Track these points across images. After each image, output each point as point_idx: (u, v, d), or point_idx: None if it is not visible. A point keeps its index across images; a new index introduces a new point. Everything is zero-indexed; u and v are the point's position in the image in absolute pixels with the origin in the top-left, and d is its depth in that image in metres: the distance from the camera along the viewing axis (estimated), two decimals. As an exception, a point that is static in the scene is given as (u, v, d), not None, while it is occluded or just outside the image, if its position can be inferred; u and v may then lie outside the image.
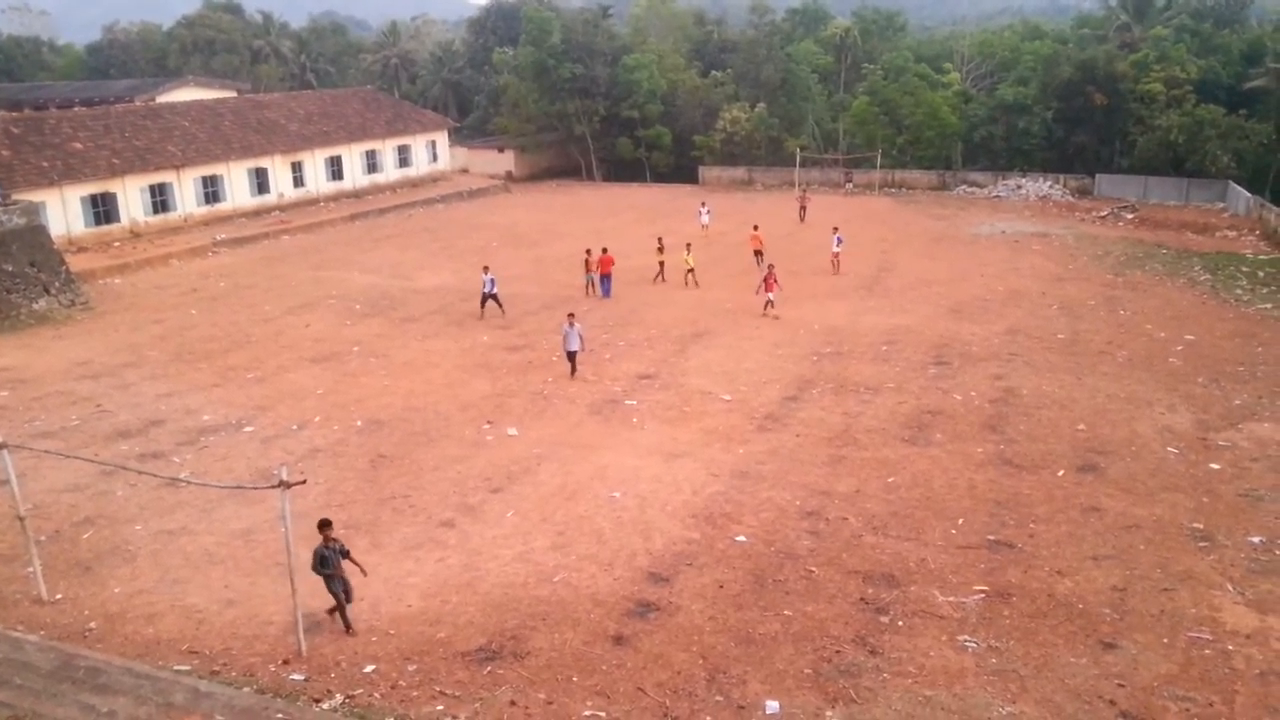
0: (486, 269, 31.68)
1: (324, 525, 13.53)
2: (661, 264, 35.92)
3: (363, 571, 13.82)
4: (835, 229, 37.76)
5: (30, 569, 14.78)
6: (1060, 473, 18.78)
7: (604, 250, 34.36)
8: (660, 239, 36.90)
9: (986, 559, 15.52)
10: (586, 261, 34.24)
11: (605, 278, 33.84)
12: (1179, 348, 26.96)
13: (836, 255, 36.63)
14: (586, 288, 34.12)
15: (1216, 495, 17.71)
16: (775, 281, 30.36)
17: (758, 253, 37.56)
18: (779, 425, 21.55)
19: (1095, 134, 56.63)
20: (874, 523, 16.81)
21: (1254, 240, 42.93)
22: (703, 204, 46.19)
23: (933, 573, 15.12)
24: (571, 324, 24.68)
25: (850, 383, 24.31)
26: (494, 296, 31.14)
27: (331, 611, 13.76)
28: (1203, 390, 23.43)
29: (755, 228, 38.77)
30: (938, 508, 17.36)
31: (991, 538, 16.21)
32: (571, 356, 24.91)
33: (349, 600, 13.67)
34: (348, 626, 13.69)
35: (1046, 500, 17.59)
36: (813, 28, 78.16)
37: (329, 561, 13.29)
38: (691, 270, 34.47)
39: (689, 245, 35.60)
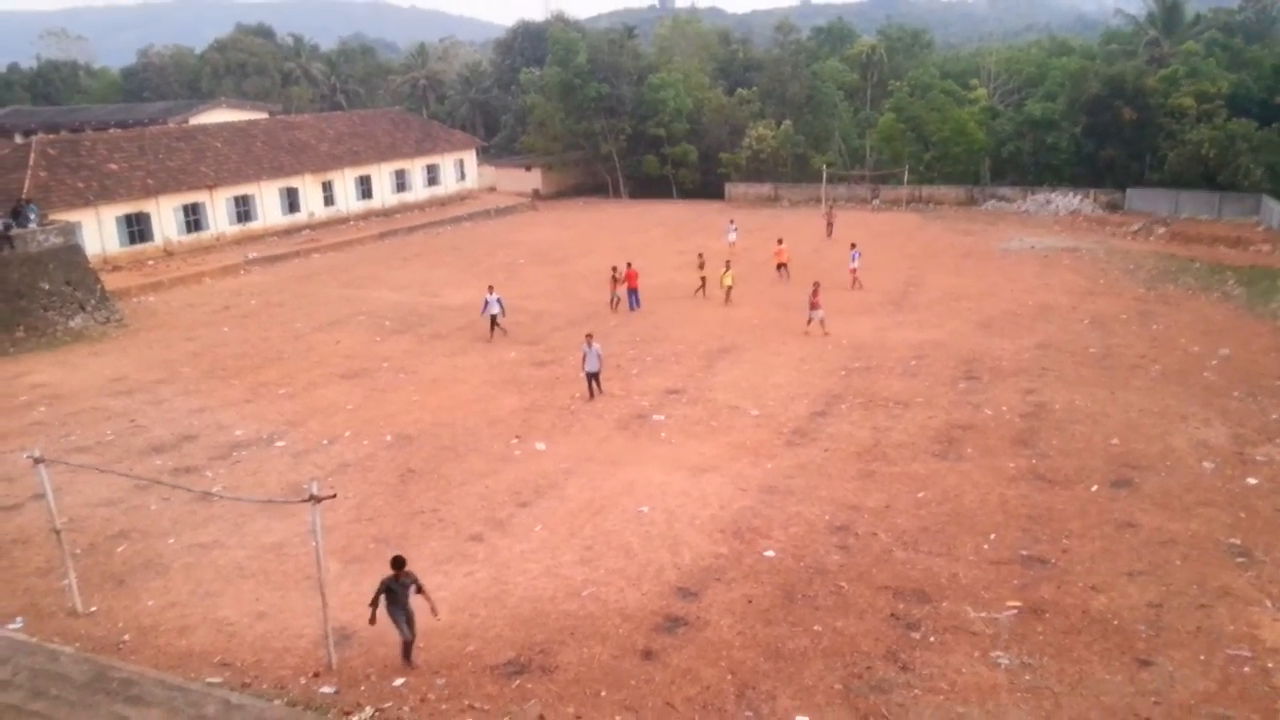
0: (491, 289, 31.40)
1: (398, 563, 12.95)
2: (703, 279, 35.97)
3: (434, 611, 13.23)
4: (853, 244, 38.02)
5: (66, 581, 14.95)
6: (1094, 488, 18.55)
7: (629, 265, 34.56)
8: (701, 254, 37.16)
9: (1019, 574, 15.34)
10: (613, 278, 34.36)
11: (633, 291, 34.03)
12: (1214, 362, 26.61)
13: (854, 270, 36.63)
14: (613, 304, 34.22)
15: (1254, 511, 17.42)
16: (820, 300, 30.03)
17: (781, 266, 37.66)
18: (807, 440, 21.45)
19: (1125, 149, 56.14)
20: (904, 538, 16.67)
21: (1289, 254, 42.34)
22: (731, 221, 46.22)
23: (964, 588, 14.96)
24: (590, 344, 24.41)
25: (879, 397, 24.18)
26: (494, 319, 30.93)
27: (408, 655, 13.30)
28: (1238, 404, 23.10)
29: (779, 241, 38.88)
30: (969, 523, 17.20)
31: (1024, 553, 16.03)
32: (591, 377, 24.62)
33: (412, 636, 13.16)
34: (408, 658, 13.24)
35: (1080, 515, 17.38)
36: (838, 46, 78.34)
37: (395, 596, 12.87)
38: (731, 288, 34.39)
39: (729, 263, 35.50)
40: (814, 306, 30.01)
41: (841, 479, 19.28)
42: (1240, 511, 17.39)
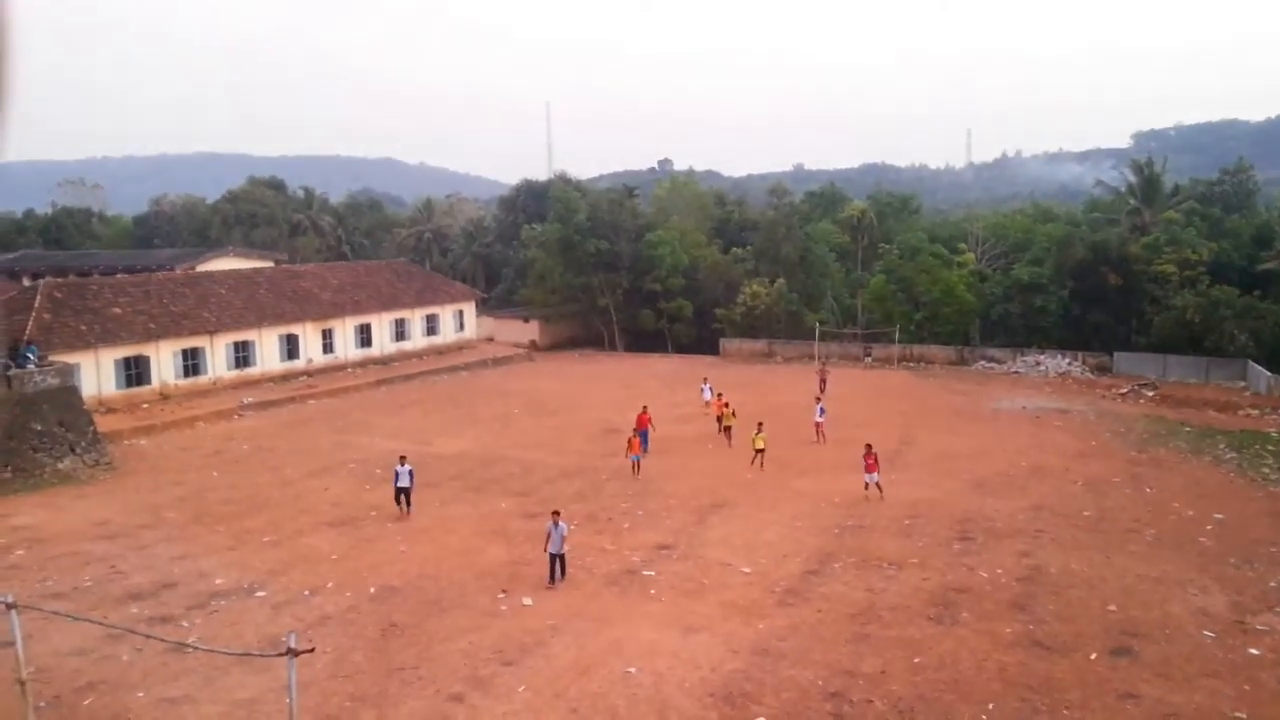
0: (403, 459, 28.28)
1: None
2: (727, 428, 36.33)
3: None
4: (818, 399, 39.03)
5: (26, 737, 14.32)
6: (1093, 656, 18.08)
7: (644, 409, 34.80)
8: (727, 402, 37.90)
9: (1019, 748, 14.77)
10: (630, 441, 33.02)
11: (643, 433, 34.06)
12: (1209, 527, 26.40)
13: (819, 425, 36.94)
14: (634, 468, 32.36)
15: (1259, 683, 16.94)
16: (875, 462, 29.13)
17: (719, 419, 37.73)
18: (800, 600, 21.02)
19: (1111, 312, 57.42)
20: (900, 706, 16.12)
21: (1278, 419, 42.64)
22: (704, 380, 46.48)
23: (963, 762, 14.36)
24: (556, 523, 22.09)
25: (873, 557, 23.84)
26: (406, 491, 27.55)
27: None
28: (1235, 571, 22.79)
29: (719, 396, 39.55)
30: (966, 691, 16.67)
31: (1024, 725, 15.47)
32: (555, 560, 22.11)
33: None
34: None
35: (1080, 685, 16.87)
36: (830, 209, 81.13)
37: None
38: (761, 451, 32.97)
39: (760, 424, 33.96)
40: (869, 470, 29.12)
41: (835, 642, 18.79)
42: (1244, 684, 16.89)
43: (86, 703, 16.41)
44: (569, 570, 22.69)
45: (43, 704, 15.85)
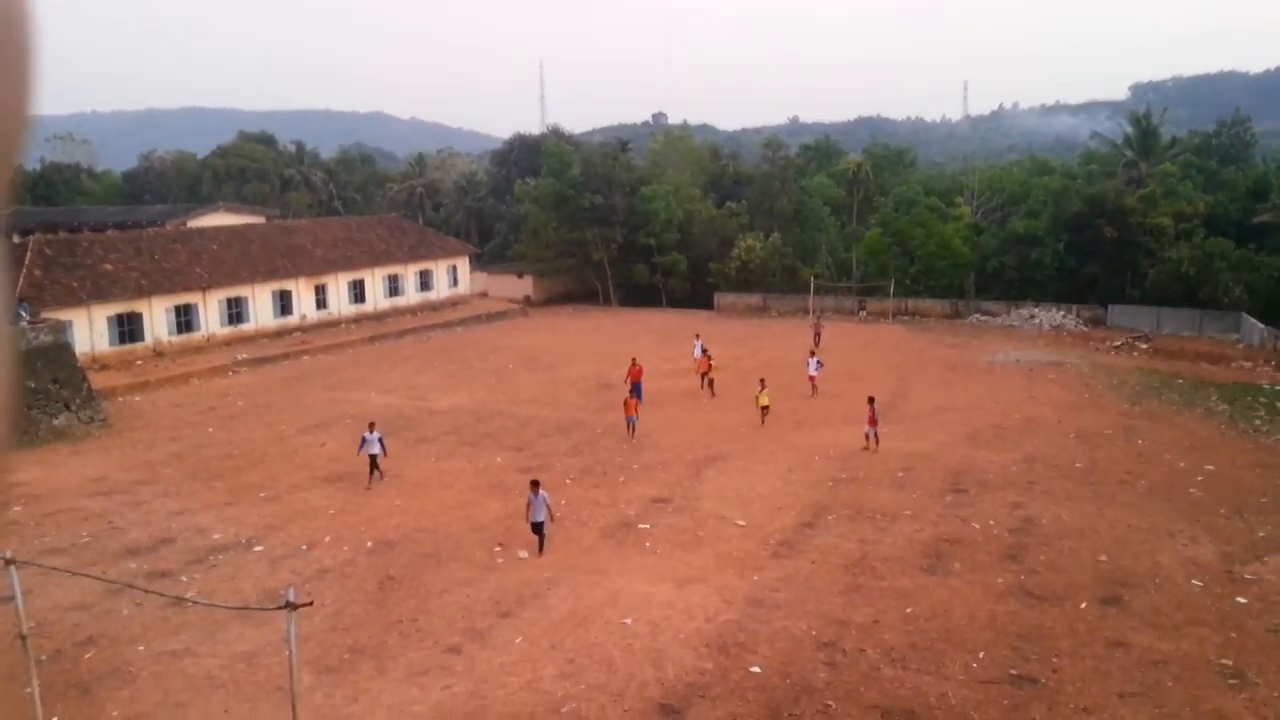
0: (372, 426, 27.10)
1: None
2: (711, 380, 36.38)
3: None
4: (812, 352, 39.09)
5: (28, 690, 14.45)
6: (1083, 605, 18.31)
7: (633, 361, 35.06)
8: (711, 356, 37.69)
9: (1010, 695, 15.00)
10: (626, 402, 32.38)
11: (636, 386, 34.09)
12: (1199, 478, 26.62)
13: (813, 378, 37.09)
14: (629, 429, 31.61)
15: (1245, 631, 17.18)
16: (874, 416, 29.25)
17: (704, 375, 37.70)
18: (794, 552, 21.21)
19: (1106, 265, 57.35)
20: (893, 654, 16.35)
21: (1270, 371, 42.83)
22: (696, 336, 46.32)
23: (954, 709, 14.59)
24: (536, 492, 21.17)
25: (866, 509, 24.02)
26: (374, 459, 26.50)
27: None
28: (1225, 522, 23.01)
29: (704, 351, 39.34)
30: (958, 640, 16.89)
31: (1014, 672, 15.70)
32: (538, 529, 21.32)
33: None
34: None
35: (1070, 633, 17.10)
36: (825, 163, 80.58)
37: None
38: (766, 408, 32.80)
39: (762, 381, 33.87)
40: (871, 423, 29.27)
41: (829, 592, 18.99)
42: (1231, 631, 17.14)
43: (87, 656, 16.57)
44: (564, 526, 22.85)
45: (44, 658, 16.00)
